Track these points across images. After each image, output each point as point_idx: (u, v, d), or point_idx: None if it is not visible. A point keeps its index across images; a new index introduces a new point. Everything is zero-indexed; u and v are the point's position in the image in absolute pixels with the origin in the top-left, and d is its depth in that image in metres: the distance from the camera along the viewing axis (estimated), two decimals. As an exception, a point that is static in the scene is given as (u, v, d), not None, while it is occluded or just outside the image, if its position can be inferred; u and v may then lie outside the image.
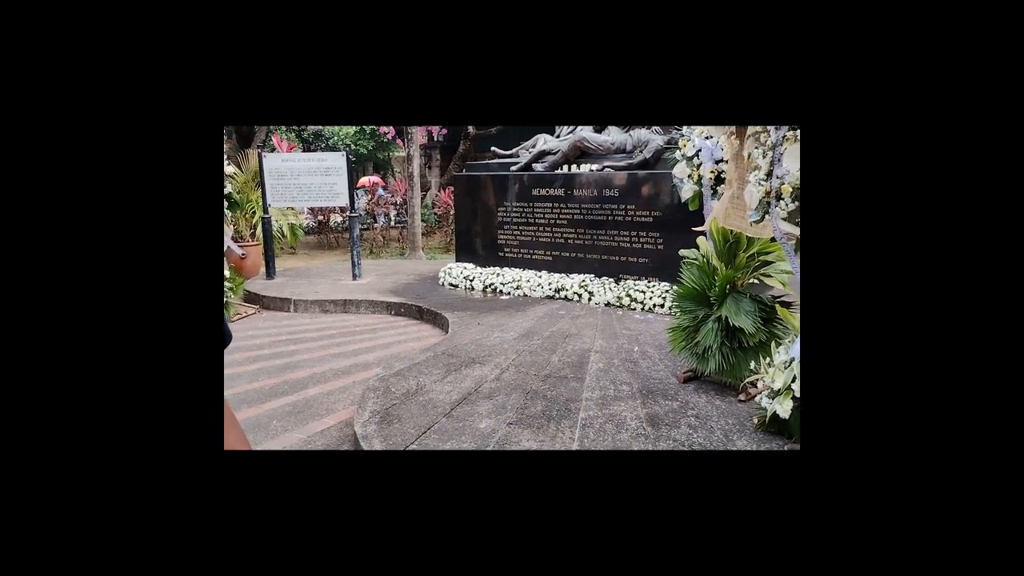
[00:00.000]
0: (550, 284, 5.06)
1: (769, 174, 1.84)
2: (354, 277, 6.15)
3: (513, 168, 5.62)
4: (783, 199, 1.71)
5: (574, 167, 5.30)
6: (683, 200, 2.79)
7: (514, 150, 6.10)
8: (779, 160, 1.76)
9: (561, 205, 5.21)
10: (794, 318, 2.54)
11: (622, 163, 5.00)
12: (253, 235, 6.83)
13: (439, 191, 11.25)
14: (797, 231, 1.80)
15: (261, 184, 6.13)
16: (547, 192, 5.30)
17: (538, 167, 5.46)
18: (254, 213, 6.80)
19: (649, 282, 4.72)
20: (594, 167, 5.15)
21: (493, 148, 6.46)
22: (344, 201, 6.17)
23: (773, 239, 2.45)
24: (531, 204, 5.41)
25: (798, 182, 1.69)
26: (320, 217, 10.37)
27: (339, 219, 10.12)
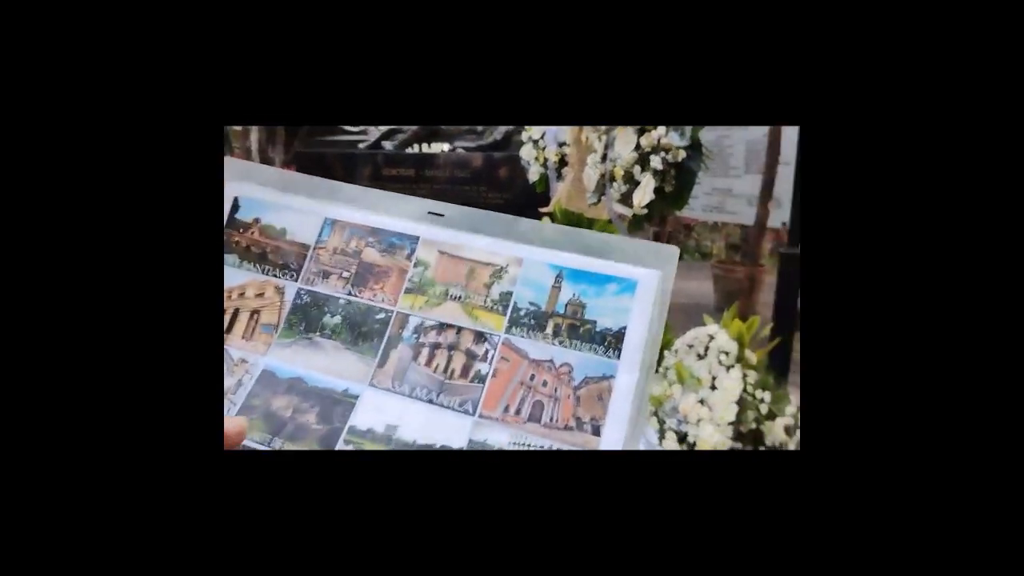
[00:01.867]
0: (404, 267, 4.95)
1: (604, 157, 1.93)
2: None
3: (361, 146, 5.36)
4: (616, 181, 1.80)
5: (426, 146, 5.20)
6: (531, 182, 2.84)
7: (363, 126, 5.83)
8: (612, 144, 1.84)
9: (414, 186, 5.09)
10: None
11: (473, 144, 5.00)
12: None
13: (283, 169, 10.47)
14: (630, 212, 1.91)
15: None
16: (398, 172, 5.14)
17: (388, 145, 5.27)
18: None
19: (502, 263, 4.81)
20: (446, 147, 5.10)
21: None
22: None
23: (610, 220, 2.59)
24: (382, 185, 5.22)
25: (629, 165, 1.78)
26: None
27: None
